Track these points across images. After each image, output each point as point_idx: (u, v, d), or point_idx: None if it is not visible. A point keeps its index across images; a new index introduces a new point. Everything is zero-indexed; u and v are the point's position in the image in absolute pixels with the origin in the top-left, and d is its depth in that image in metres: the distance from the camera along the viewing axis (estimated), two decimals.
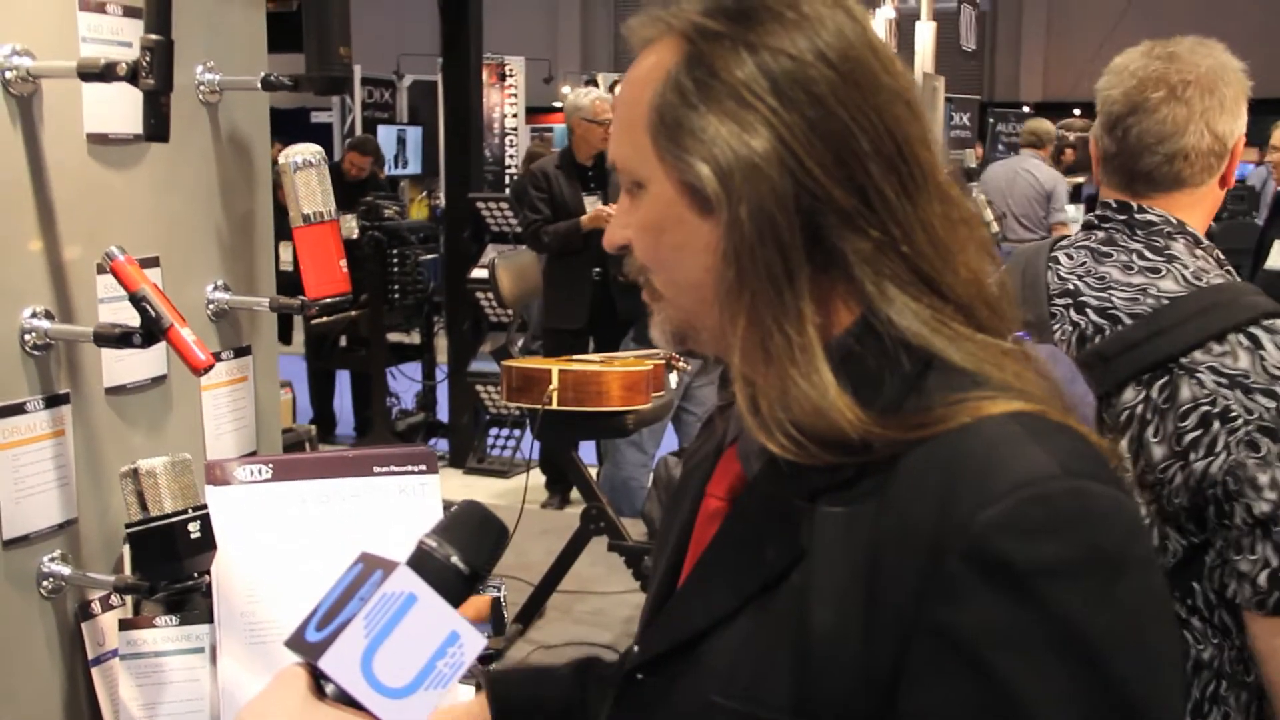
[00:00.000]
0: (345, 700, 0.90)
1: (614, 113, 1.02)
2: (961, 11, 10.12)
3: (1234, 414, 1.57)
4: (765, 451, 0.93)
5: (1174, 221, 1.74)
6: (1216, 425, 1.57)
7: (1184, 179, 1.74)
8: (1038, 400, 0.89)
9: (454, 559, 0.95)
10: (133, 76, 1.39)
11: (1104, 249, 1.75)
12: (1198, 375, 1.59)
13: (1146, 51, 1.76)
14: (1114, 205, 1.78)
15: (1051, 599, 0.80)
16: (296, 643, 0.92)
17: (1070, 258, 1.78)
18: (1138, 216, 1.75)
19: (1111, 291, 1.70)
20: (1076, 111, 12.55)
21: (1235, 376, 1.58)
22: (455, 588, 0.94)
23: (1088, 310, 1.71)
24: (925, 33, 8.23)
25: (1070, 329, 1.71)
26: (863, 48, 0.93)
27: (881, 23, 7.79)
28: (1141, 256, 1.72)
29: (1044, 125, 7.94)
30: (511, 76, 12.06)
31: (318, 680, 0.91)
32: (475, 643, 0.92)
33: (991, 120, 13.32)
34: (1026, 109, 14.61)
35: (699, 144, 0.91)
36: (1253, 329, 1.61)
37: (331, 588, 0.94)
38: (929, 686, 0.82)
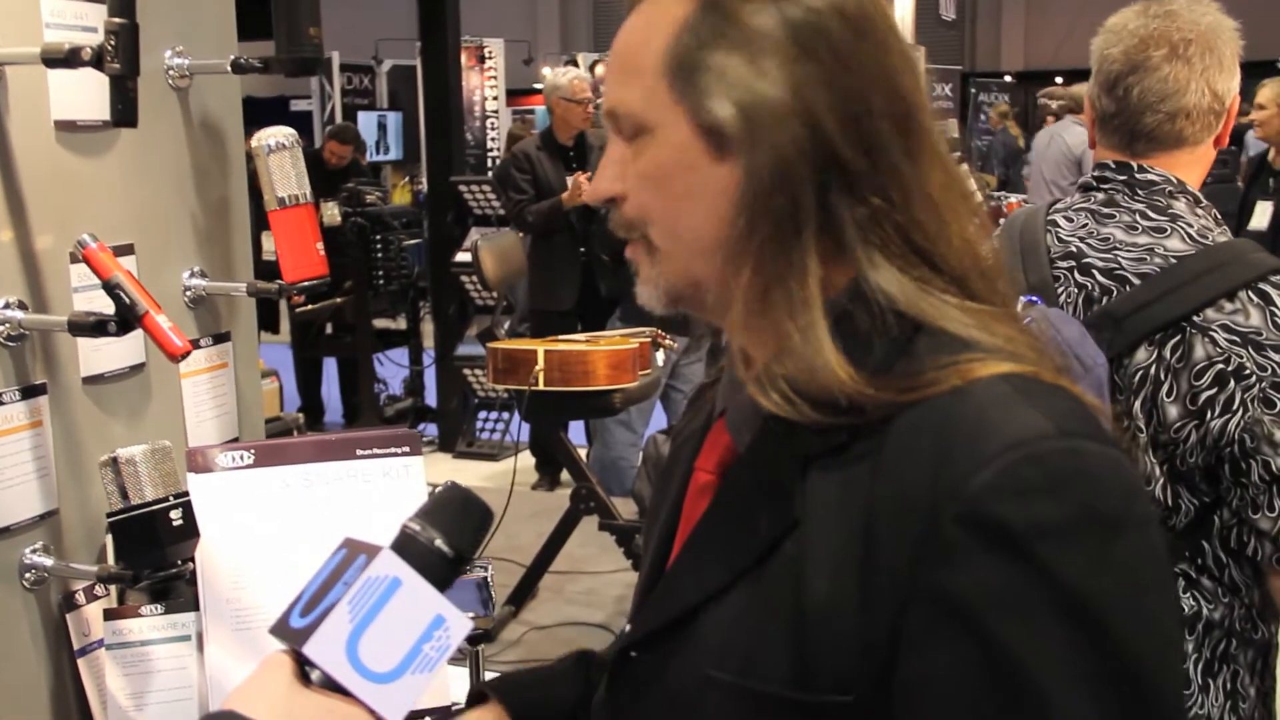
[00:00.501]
0: (331, 686, 0.89)
1: (611, 59, 0.98)
2: None
3: (1248, 371, 1.57)
4: (755, 422, 0.93)
5: (1174, 181, 1.73)
6: (1232, 383, 1.58)
7: (1185, 137, 1.73)
8: (1029, 362, 0.89)
9: (438, 542, 0.94)
10: (98, 61, 1.36)
11: (1105, 210, 1.74)
12: (1211, 333, 1.59)
13: (1143, 10, 1.75)
14: (1113, 166, 1.77)
15: (1049, 560, 0.79)
16: (281, 629, 0.92)
17: (1070, 220, 1.77)
18: (1138, 176, 1.74)
19: (1117, 252, 1.69)
20: (1059, 80, 12.55)
21: (1247, 334, 1.58)
22: (440, 571, 0.93)
23: (1094, 272, 1.70)
24: (905, 2, 8.20)
25: (1075, 291, 1.70)
26: (874, 10, 0.93)
27: None
28: (1145, 216, 1.71)
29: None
30: (491, 59, 12.00)
31: (303, 666, 0.90)
32: (461, 626, 0.92)
33: (973, 90, 13.31)
34: (1008, 78, 14.61)
35: (722, 85, 0.90)
36: (1262, 285, 1.61)
37: (315, 574, 0.93)
38: (928, 653, 0.82)
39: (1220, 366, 1.58)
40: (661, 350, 3.90)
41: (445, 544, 0.94)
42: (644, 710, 0.99)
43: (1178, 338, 1.61)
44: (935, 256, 0.92)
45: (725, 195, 0.91)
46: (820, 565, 0.86)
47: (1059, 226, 1.77)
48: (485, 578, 1.60)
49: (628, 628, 1.05)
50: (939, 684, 0.81)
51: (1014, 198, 8.43)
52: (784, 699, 0.87)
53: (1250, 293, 1.61)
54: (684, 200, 0.93)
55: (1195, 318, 1.61)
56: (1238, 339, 1.58)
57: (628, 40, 0.96)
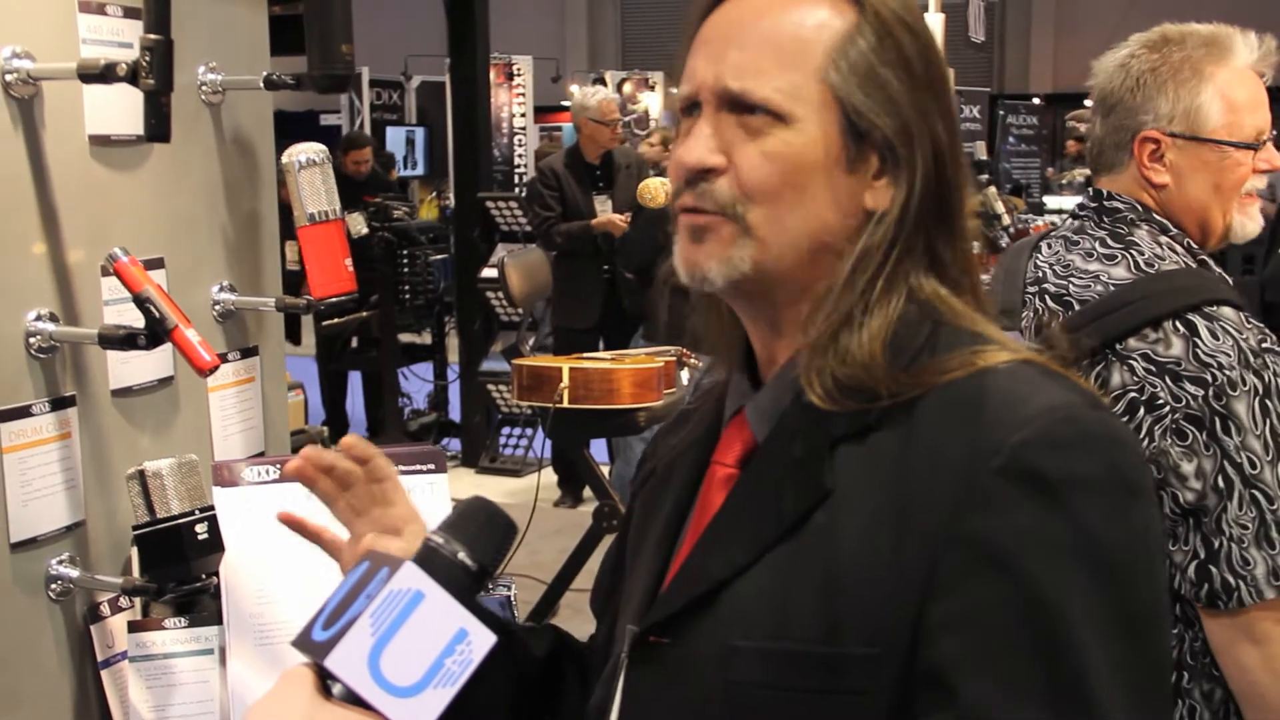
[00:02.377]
0: (353, 700, 0.89)
1: (737, 39, 0.97)
2: (970, 3, 10.10)
3: (1160, 401, 1.55)
4: (776, 413, 0.98)
5: (1139, 208, 1.73)
6: (1142, 412, 1.55)
7: (1093, 163, 1.81)
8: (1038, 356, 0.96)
9: (461, 555, 0.94)
10: (133, 77, 1.38)
11: (1075, 237, 1.77)
12: (1130, 362, 1.58)
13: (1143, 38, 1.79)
14: (1091, 193, 1.81)
15: (1078, 509, 0.85)
16: (303, 642, 0.92)
17: (1049, 247, 1.81)
18: (1106, 204, 1.77)
19: (1070, 279, 1.71)
20: (1088, 103, 12.47)
21: (1165, 364, 1.56)
22: (463, 584, 0.93)
23: (1046, 297, 1.72)
24: (934, 24, 8.19)
25: (1032, 315, 1.73)
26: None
27: None
28: (1104, 244, 1.72)
29: None
30: (519, 76, 12.05)
31: (325, 680, 0.90)
32: (484, 640, 0.91)
33: (1001, 112, 13.27)
34: (1037, 100, 14.56)
35: (889, 103, 0.95)
36: (1190, 315, 1.58)
37: (338, 587, 0.93)
38: (961, 592, 0.86)
39: (1133, 395, 1.56)
40: (686, 369, 3.89)
41: (469, 557, 0.94)
42: (666, 695, 0.99)
43: (1101, 365, 1.60)
44: (976, 288, 1.00)
45: (847, 203, 0.96)
46: (853, 528, 0.90)
47: (1039, 253, 1.80)
48: (509, 596, 1.60)
49: (631, 628, 1.04)
50: (971, 622, 0.86)
51: (1040, 220, 8.35)
52: (812, 655, 0.90)
53: (1176, 322, 1.58)
54: (800, 193, 0.96)
55: (1118, 346, 1.60)
56: (1154, 369, 1.56)
57: (773, 29, 0.96)
